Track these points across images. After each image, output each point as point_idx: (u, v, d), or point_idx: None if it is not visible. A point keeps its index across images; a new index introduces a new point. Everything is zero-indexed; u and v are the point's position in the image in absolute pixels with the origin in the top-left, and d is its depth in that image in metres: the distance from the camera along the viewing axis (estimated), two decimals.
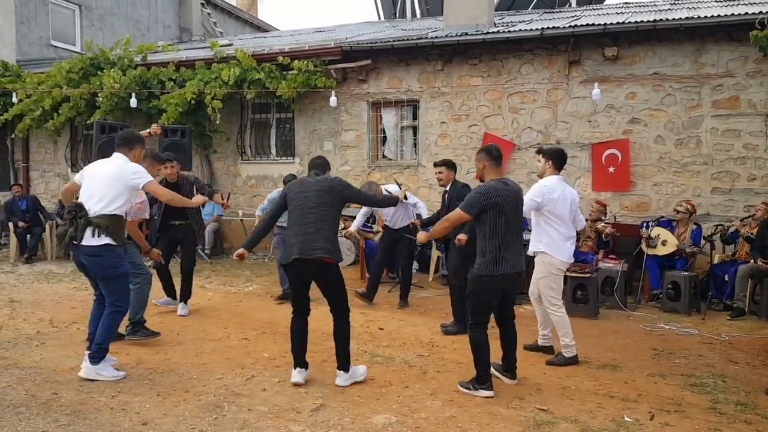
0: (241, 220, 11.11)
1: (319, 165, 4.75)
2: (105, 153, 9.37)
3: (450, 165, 6.70)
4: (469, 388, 4.40)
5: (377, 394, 4.36)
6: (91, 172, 4.56)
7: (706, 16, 8.51)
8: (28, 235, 10.59)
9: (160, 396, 4.23)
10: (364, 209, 7.98)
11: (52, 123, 11.80)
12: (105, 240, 4.31)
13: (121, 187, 4.43)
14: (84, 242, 4.28)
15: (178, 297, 6.85)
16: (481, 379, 4.36)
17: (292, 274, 4.55)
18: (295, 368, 4.54)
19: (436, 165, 6.82)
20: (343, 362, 4.53)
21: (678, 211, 7.97)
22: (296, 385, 4.46)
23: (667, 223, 8.08)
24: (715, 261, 7.74)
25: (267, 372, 4.78)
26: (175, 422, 3.80)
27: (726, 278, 7.47)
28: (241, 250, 4.73)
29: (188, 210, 6.59)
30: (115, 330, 4.62)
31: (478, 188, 4.47)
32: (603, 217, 8.30)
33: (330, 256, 4.39)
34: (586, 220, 8.37)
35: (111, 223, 4.35)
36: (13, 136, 12.93)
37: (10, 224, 10.71)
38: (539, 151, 5.42)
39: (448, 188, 6.61)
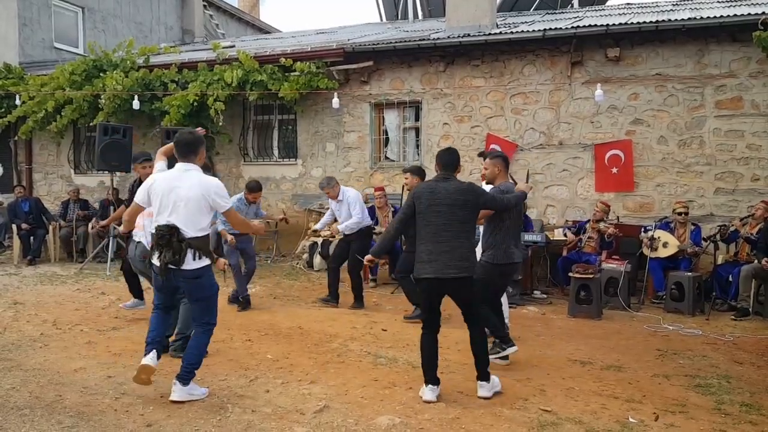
0: None
1: (449, 164, 4.50)
2: (108, 155, 9.48)
3: (415, 171, 6.75)
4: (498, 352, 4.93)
5: (381, 395, 4.35)
6: (164, 189, 4.04)
7: (709, 17, 8.51)
8: (31, 237, 10.60)
9: (163, 398, 4.22)
10: (331, 210, 7.59)
11: (55, 125, 11.82)
12: (205, 262, 4.07)
13: (207, 206, 4.06)
14: (185, 266, 3.98)
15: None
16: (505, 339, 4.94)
17: (423, 290, 4.41)
18: (426, 385, 4.28)
19: (404, 172, 7.00)
20: (484, 373, 4.36)
21: (681, 213, 7.95)
22: (428, 402, 4.19)
23: (665, 226, 8.08)
24: (719, 261, 7.73)
25: (270, 373, 4.78)
26: (179, 424, 3.79)
27: (730, 278, 7.46)
28: (369, 257, 4.92)
29: None
30: (206, 349, 4.35)
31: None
32: (606, 218, 8.30)
33: (466, 273, 4.29)
34: (588, 221, 8.39)
35: (205, 244, 4.12)
36: (16, 138, 12.97)
37: (14, 226, 10.72)
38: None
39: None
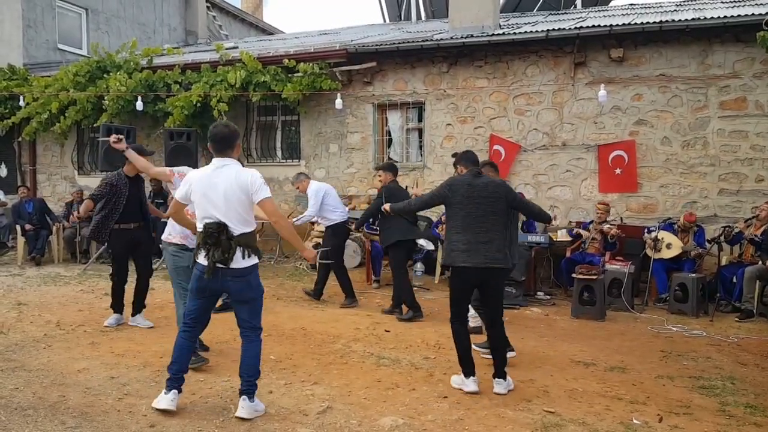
0: None
1: (477, 162, 4.78)
2: (111, 156, 9.47)
3: (388, 168, 7.16)
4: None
5: (384, 396, 4.34)
6: (204, 186, 3.86)
7: (712, 17, 8.49)
8: (35, 238, 10.61)
9: None
10: (312, 210, 7.52)
11: (58, 126, 11.84)
12: (254, 260, 3.91)
13: (249, 199, 3.86)
14: (233, 265, 3.80)
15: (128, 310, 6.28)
16: None
17: (456, 280, 4.55)
18: (468, 377, 4.45)
19: (377, 169, 7.34)
20: (501, 370, 4.48)
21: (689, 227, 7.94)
22: (474, 393, 4.34)
23: (669, 227, 8.06)
24: (723, 262, 7.71)
25: (273, 374, 4.77)
26: (182, 424, 3.79)
27: (734, 280, 7.44)
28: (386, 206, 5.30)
29: (146, 212, 6.22)
30: (260, 355, 4.09)
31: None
32: (608, 218, 8.29)
33: (502, 265, 4.48)
34: (591, 222, 8.37)
35: (253, 241, 3.95)
36: (20, 139, 12.98)
37: (18, 227, 10.75)
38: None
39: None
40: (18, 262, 10.51)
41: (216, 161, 3.93)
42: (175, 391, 3.92)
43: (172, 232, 5.08)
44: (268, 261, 10.73)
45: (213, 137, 3.95)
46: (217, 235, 3.76)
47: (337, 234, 7.54)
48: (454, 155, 5.30)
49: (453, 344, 5.58)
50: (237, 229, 3.81)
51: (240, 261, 3.81)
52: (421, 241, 7.78)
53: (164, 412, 3.90)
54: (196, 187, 3.89)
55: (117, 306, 6.26)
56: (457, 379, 4.55)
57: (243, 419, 3.82)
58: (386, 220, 6.86)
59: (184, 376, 4.04)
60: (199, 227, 3.87)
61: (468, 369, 4.47)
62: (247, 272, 3.88)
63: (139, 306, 6.23)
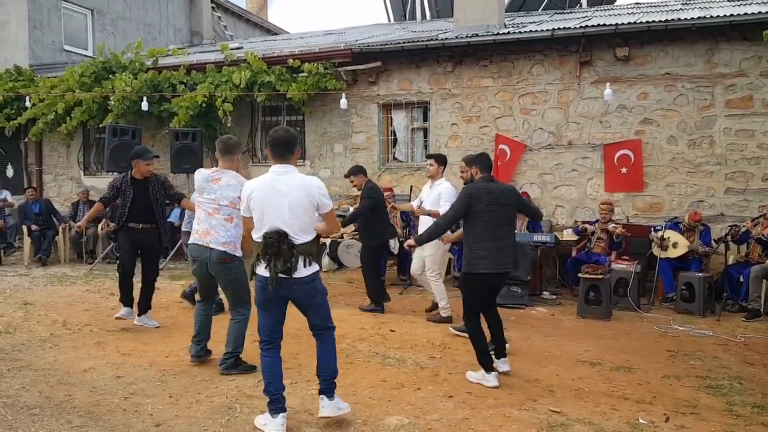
0: None
1: (491, 167, 4.95)
2: (117, 156, 9.52)
3: (360, 171, 7.33)
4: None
5: (389, 395, 4.34)
6: (265, 194, 3.73)
7: (718, 16, 8.45)
8: (42, 238, 10.66)
9: (172, 398, 4.24)
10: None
11: (64, 127, 11.89)
12: (315, 267, 3.80)
13: (313, 207, 3.76)
14: (297, 274, 3.68)
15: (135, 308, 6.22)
16: None
17: (476, 285, 4.73)
18: (489, 372, 4.59)
19: (347, 176, 7.44)
20: (503, 349, 4.90)
21: (694, 226, 7.90)
22: (497, 387, 4.51)
23: (675, 226, 8.03)
24: (730, 262, 7.67)
25: None
26: (188, 424, 3.80)
27: (741, 279, 7.40)
28: (411, 241, 5.20)
29: (156, 213, 6.09)
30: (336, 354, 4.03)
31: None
32: (612, 218, 8.26)
33: (512, 268, 4.88)
34: (596, 221, 8.34)
35: (314, 248, 3.83)
36: (26, 140, 13.04)
37: (24, 227, 10.79)
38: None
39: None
40: (24, 262, 10.56)
41: (277, 168, 3.79)
42: (283, 414, 3.71)
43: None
44: None
45: (274, 142, 3.82)
46: (277, 245, 3.63)
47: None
48: (465, 159, 5.39)
49: (459, 344, 5.64)
50: (299, 238, 3.68)
51: (302, 270, 3.70)
52: (392, 242, 7.90)
53: (172, 406, 3.90)
54: (256, 195, 3.74)
55: (126, 299, 6.20)
56: (477, 375, 4.67)
57: (326, 417, 3.75)
58: (370, 221, 7.15)
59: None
60: (258, 237, 3.73)
61: (489, 365, 4.62)
62: (311, 279, 3.77)
63: (144, 306, 6.19)
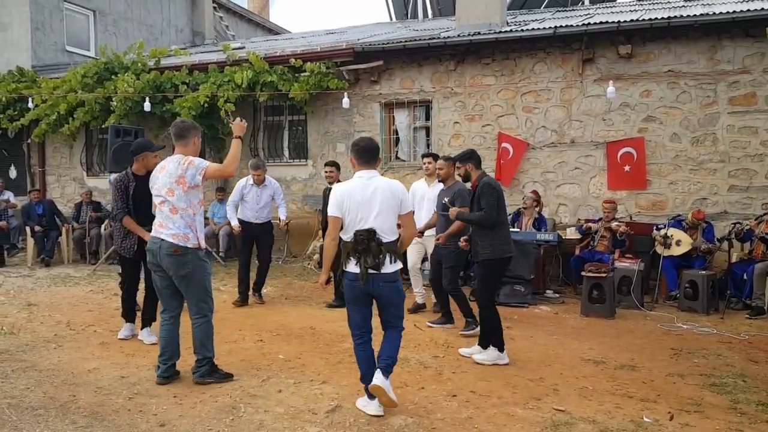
0: None
1: (481, 161, 5.62)
2: (119, 157, 9.50)
3: (336, 165, 7.62)
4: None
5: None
6: (359, 197, 3.95)
7: (721, 12, 8.41)
8: (45, 239, 10.68)
9: (177, 398, 4.24)
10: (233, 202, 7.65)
11: (67, 127, 11.92)
12: (399, 265, 4.04)
13: (398, 208, 4.02)
14: (384, 270, 3.93)
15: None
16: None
17: (500, 269, 5.30)
18: (503, 351, 5.09)
19: (329, 164, 7.65)
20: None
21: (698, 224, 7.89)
22: (506, 365, 5.00)
23: (678, 224, 8.01)
24: (734, 259, 7.66)
25: (282, 373, 4.78)
26: (192, 424, 3.80)
27: (745, 277, 7.38)
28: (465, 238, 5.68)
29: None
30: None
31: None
32: (615, 216, 8.25)
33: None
34: (600, 219, 8.33)
35: (397, 247, 4.07)
36: (29, 141, 13.07)
37: (27, 228, 10.81)
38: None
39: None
40: (28, 263, 10.58)
41: (362, 173, 4.04)
42: (380, 373, 3.96)
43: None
44: (275, 261, 10.75)
45: (361, 150, 4.08)
46: (367, 242, 3.89)
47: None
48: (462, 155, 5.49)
49: (462, 343, 5.64)
50: (386, 236, 3.94)
51: (389, 266, 3.96)
52: None
53: (176, 406, 3.90)
54: (347, 198, 3.97)
55: (128, 314, 5.85)
56: (493, 355, 5.09)
57: (376, 386, 3.88)
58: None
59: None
60: (349, 237, 3.96)
61: (502, 344, 5.14)
62: (396, 277, 4.03)
63: (149, 318, 5.74)
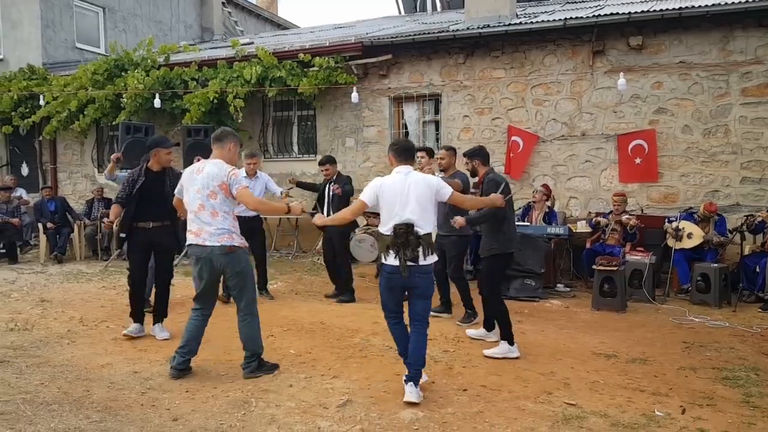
0: (264, 219, 11.14)
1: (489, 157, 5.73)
2: (130, 153, 9.56)
3: (333, 160, 7.61)
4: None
5: (403, 389, 4.33)
6: (397, 190, 4.16)
7: (733, 2, 8.31)
8: (57, 236, 10.76)
9: (189, 392, 4.27)
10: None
11: (78, 124, 11.99)
12: (434, 257, 4.23)
13: (434, 200, 4.27)
14: (421, 262, 4.11)
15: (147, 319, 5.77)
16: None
17: (506, 264, 5.41)
18: (513, 345, 5.11)
19: (323, 163, 7.62)
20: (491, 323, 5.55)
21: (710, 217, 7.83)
22: (517, 359, 5.01)
23: (690, 216, 7.95)
24: (746, 252, 7.59)
25: (293, 368, 4.80)
26: (205, 418, 3.83)
27: (757, 269, 7.32)
28: (461, 220, 5.34)
29: (171, 208, 5.32)
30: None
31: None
32: (626, 209, 8.21)
33: None
34: (610, 212, 8.27)
35: (431, 240, 4.23)
36: (40, 138, 13.16)
37: (40, 225, 10.90)
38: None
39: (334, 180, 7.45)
40: (41, 259, 10.66)
41: (401, 168, 4.29)
42: (413, 384, 4.10)
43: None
44: (285, 256, 10.78)
45: (399, 148, 4.40)
46: (406, 236, 4.06)
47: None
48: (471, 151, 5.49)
49: (468, 340, 5.63)
50: (422, 229, 4.11)
51: (426, 258, 4.13)
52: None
53: (188, 401, 3.93)
54: (386, 192, 4.20)
55: (136, 314, 5.67)
56: (503, 348, 5.09)
57: (410, 403, 3.99)
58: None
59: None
60: (387, 230, 4.14)
61: (512, 337, 5.12)
62: (431, 269, 4.22)
63: (160, 314, 5.70)
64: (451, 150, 6.57)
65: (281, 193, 7.66)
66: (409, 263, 4.05)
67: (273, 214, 4.66)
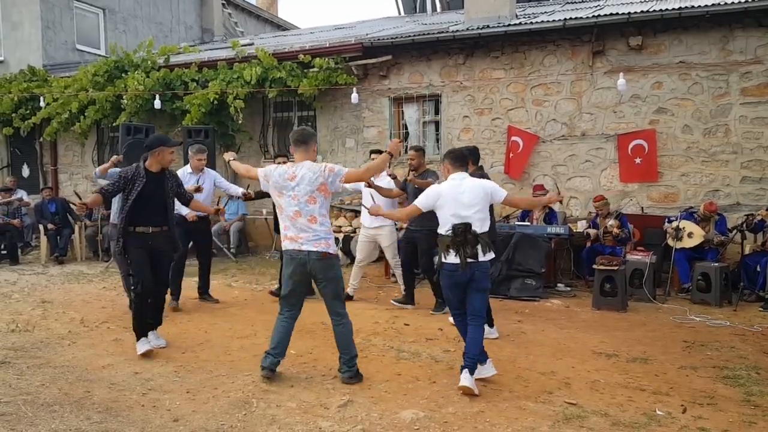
0: (266, 218, 11.17)
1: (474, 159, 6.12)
2: (131, 154, 9.55)
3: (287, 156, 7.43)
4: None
5: (405, 389, 4.35)
6: (457, 194, 4.46)
7: (733, 2, 8.31)
8: (58, 237, 10.77)
9: (190, 393, 4.27)
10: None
11: (78, 126, 12.00)
12: (492, 254, 4.49)
13: (489, 202, 4.60)
14: (480, 258, 4.39)
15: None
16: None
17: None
18: (492, 327, 5.57)
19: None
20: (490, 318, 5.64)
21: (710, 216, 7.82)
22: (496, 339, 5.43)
23: (690, 216, 7.95)
24: (746, 251, 7.60)
25: (294, 369, 4.80)
26: (205, 418, 3.83)
27: (758, 269, 7.32)
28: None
29: (169, 213, 5.28)
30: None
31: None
32: (609, 211, 8.20)
33: None
34: (596, 216, 8.27)
35: (488, 238, 4.51)
36: (41, 139, 13.17)
37: (40, 226, 10.91)
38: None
39: None
40: (41, 260, 10.67)
41: (457, 175, 4.61)
42: (467, 371, 4.26)
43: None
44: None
45: (455, 157, 4.69)
46: (464, 235, 4.33)
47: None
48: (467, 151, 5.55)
49: None
50: (479, 228, 4.41)
51: (484, 255, 4.41)
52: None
53: (189, 402, 3.93)
54: (445, 198, 4.50)
55: (141, 328, 5.22)
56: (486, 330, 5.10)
57: (463, 387, 4.19)
58: None
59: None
60: (447, 231, 4.42)
61: (491, 320, 5.58)
62: (489, 266, 4.53)
63: (155, 322, 5.42)
64: (421, 150, 7.01)
65: (243, 194, 7.24)
66: (469, 260, 4.30)
67: (383, 166, 4.95)
